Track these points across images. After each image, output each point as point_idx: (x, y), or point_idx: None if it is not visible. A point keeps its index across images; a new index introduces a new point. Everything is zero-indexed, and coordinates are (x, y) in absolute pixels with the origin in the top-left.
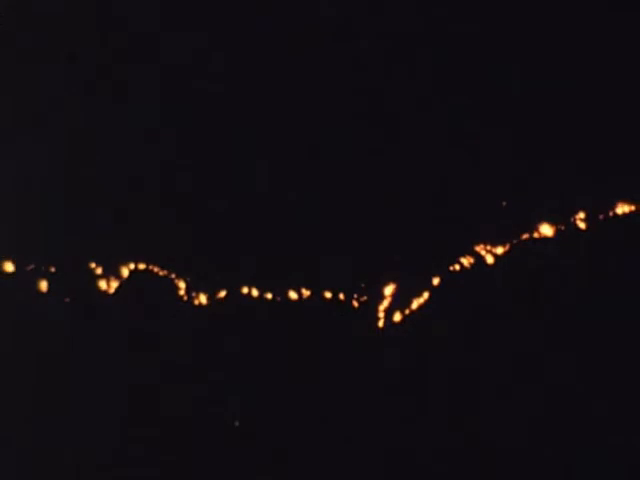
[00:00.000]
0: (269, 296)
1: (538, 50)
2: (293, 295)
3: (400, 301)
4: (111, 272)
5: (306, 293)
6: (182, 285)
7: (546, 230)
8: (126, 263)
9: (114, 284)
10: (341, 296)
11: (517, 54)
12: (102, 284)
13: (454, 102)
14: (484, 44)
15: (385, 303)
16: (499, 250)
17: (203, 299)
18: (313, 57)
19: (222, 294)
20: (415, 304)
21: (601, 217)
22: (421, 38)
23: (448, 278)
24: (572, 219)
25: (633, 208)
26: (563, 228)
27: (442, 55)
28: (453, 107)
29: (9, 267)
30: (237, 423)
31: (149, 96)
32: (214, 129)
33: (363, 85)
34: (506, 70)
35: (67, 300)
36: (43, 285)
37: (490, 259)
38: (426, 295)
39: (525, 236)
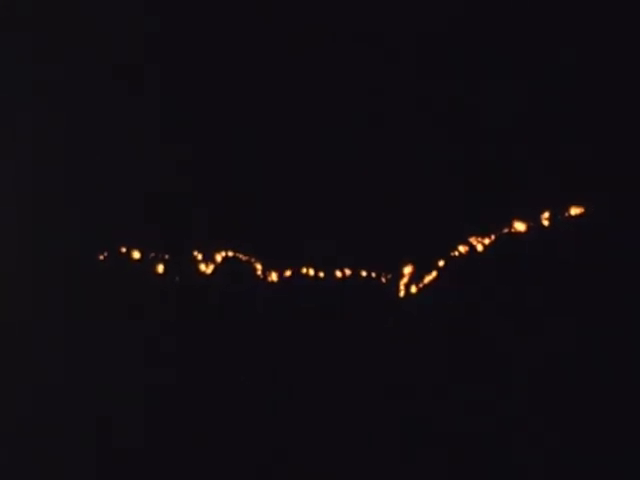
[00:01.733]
0: (321, 274)
1: (511, 64)
2: (338, 273)
3: (415, 278)
4: (208, 258)
5: (348, 272)
6: (259, 267)
7: (520, 226)
8: (219, 251)
9: (211, 267)
10: (373, 274)
11: (491, 68)
12: (202, 267)
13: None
14: (475, 53)
15: (404, 279)
16: (486, 241)
17: (274, 277)
18: (313, 57)
19: (288, 273)
20: (426, 280)
21: (560, 217)
22: (420, 38)
23: (450, 261)
24: (539, 218)
25: (583, 210)
26: (532, 224)
27: (430, 62)
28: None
29: (137, 255)
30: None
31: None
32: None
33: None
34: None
35: (177, 279)
36: (160, 268)
37: (480, 247)
38: (434, 273)
39: (505, 230)
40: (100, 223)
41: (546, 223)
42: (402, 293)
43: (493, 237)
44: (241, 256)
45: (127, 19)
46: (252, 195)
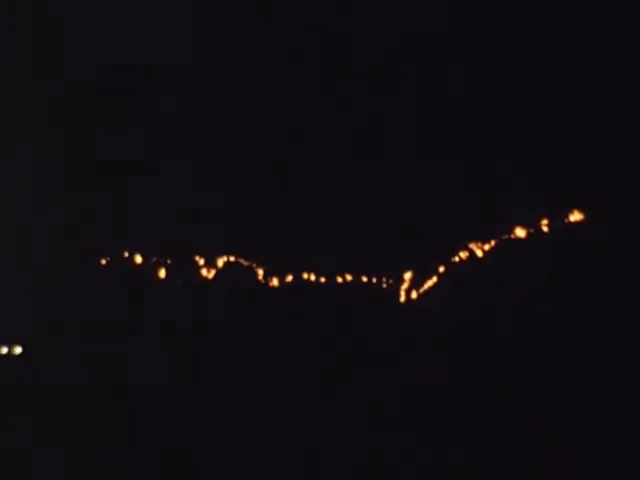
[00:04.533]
0: (322, 279)
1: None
2: (339, 279)
3: (416, 283)
4: (210, 263)
5: (349, 277)
6: (260, 272)
7: (520, 232)
8: (221, 256)
9: (212, 271)
10: (374, 280)
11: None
12: (204, 271)
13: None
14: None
15: (405, 285)
16: (486, 247)
17: (275, 282)
18: (312, 60)
19: (289, 278)
20: (426, 285)
21: (559, 223)
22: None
23: (450, 266)
24: (538, 224)
25: (582, 216)
26: (532, 231)
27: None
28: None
29: (139, 259)
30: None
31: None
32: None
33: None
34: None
35: (179, 283)
36: (162, 272)
37: (480, 253)
38: (434, 279)
39: (504, 237)
40: (103, 228)
41: (546, 229)
42: (402, 298)
43: (493, 243)
44: (243, 261)
45: (128, 21)
46: (255, 201)
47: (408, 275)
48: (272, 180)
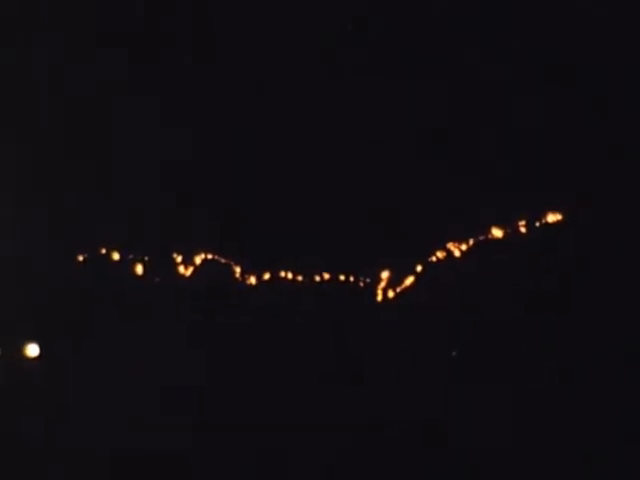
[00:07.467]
0: (300, 278)
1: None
2: (317, 278)
3: (393, 282)
4: (188, 260)
5: (326, 276)
6: (237, 270)
7: (497, 233)
8: (199, 253)
9: (190, 269)
10: (351, 278)
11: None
12: (181, 269)
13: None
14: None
15: (382, 284)
16: (463, 247)
17: (253, 280)
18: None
19: (266, 276)
20: (403, 284)
21: (537, 224)
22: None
23: (427, 266)
24: (515, 225)
25: (559, 217)
26: (509, 231)
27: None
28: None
29: (116, 256)
30: None
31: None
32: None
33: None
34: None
35: (156, 280)
36: (139, 269)
37: (457, 253)
38: (412, 278)
39: (481, 237)
40: (80, 224)
41: (523, 230)
42: (379, 297)
43: (471, 243)
44: (220, 259)
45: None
46: (233, 199)
47: (385, 274)
48: (251, 178)
